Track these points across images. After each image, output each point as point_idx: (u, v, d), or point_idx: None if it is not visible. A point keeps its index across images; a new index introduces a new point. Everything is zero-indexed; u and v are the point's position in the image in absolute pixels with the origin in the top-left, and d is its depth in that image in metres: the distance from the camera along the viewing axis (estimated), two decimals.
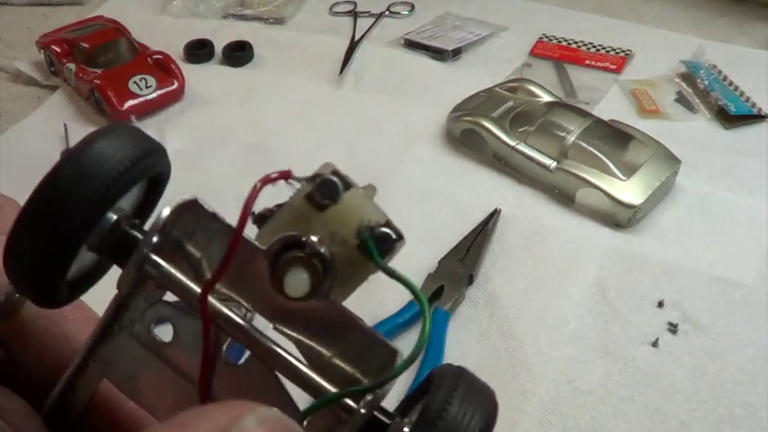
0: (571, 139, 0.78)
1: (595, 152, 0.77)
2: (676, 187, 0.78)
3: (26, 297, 0.21)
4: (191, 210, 0.22)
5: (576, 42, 1.03)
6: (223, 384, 0.21)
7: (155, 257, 0.21)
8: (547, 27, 1.06)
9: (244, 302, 0.22)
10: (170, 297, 0.22)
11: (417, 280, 0.67)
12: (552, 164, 0.78)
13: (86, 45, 0.94)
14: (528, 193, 0.79)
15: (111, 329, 0.22)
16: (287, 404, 0.21)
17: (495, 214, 0.75)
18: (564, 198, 0.77)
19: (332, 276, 0.21)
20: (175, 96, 0.93)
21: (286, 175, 0.22)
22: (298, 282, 0.20)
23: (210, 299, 0.21)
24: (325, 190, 0.21)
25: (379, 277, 0.23)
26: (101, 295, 0.24)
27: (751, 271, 0.70)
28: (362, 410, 0.20)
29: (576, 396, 0.60)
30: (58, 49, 0.95)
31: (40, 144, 0.87)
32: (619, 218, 0.74)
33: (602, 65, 0.99)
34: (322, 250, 0.21)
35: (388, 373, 0.20)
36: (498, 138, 0.81)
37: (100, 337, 0.22)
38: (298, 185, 0.22)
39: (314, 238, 0.21)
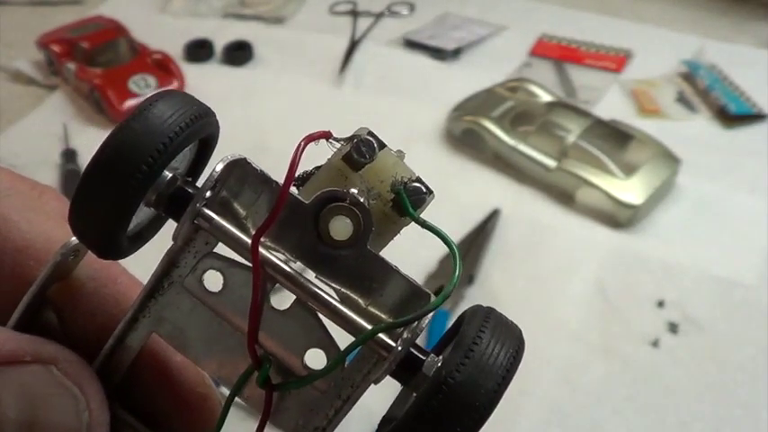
0: (571, 138, 0.78)
1: (595, 152, 0.77)
2: (676, 187, 0.78)
3: (89, 248, 0.23)
4: (239, 167, 0.23)
5: (576, 42, 1.03)
6: (269, 329, 0.23)
7: (207, 211, 0.23)
8: (547, 27, 1.06)
9: (288, 255, 0.24)
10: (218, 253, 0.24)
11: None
12: (552, 164, 0.77)
13: (86, 45, 0.94)
14: (528, 193, 0.79)
15: (161, 285, 0.24)
16: (329, 346, 0.23)
17: (494, 214, 0.75)
18: (564, 198, 0.77)
19: (370, 225, 0.23)
20: None
21: (327, 135, 0.24)
22: (343, 225, 0.23)
23: (259, 248, 0.23)
24: (363, 149, 0.24)
25: None
26: (143, 267, 0.25)
27: (751, 271, 0.70)
28: (399, 348, 0.22)
29: (576, 396, 0.60)
30: (57, 49, 0.95)
31: (40, 144, 0.87)
32: (619, 218, 0.74)
33: (602, 64, 0.99)
34: (362, 200, 0.23)
35: (423, 308, 0.23)
36: (498, 138, 0.81)
37: (150, 293, 0.24)
38: (337, 145, 0.24)
39: (354, 191, 0.23)
